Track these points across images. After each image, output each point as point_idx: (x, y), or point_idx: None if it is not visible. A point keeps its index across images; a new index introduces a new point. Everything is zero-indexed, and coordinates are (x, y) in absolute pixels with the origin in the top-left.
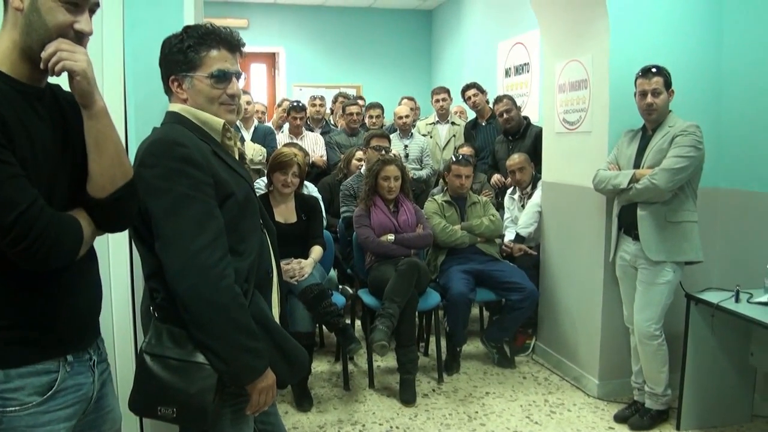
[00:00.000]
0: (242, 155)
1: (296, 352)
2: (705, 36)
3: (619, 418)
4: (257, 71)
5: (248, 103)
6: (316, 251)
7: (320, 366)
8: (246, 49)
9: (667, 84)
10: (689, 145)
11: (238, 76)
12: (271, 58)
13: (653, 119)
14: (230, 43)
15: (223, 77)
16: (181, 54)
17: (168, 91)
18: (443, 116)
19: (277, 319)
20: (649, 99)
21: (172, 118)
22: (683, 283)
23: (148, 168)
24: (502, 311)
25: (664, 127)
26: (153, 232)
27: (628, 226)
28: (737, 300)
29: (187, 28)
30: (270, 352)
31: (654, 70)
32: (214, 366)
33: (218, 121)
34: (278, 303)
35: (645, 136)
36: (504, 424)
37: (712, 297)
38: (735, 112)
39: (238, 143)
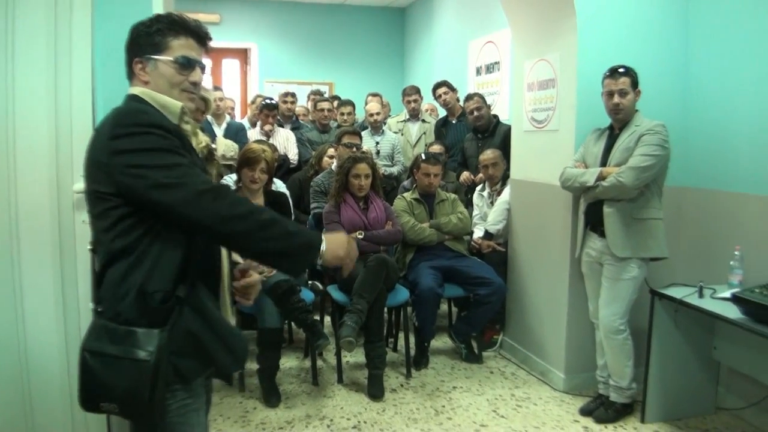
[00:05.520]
0: (212, 150)
1: (237, 343)
2: (672, 36)
3: (585, 412)
4: (229, 67)
5: (221, 99)
6: None
7: (289, 362)
8: (218, 45)
9: (634, 84)
10: (655, 144)
11: (202, 66)
12: (243, 54)
13: (620, 119)
14: (198, 34)
15: (187, 64)
16: (149, 37)
17: (130, 74)
18: (414, 115)
19: (231, 317)
20: (616, 99)
21: (131, 99)
22: (648, 279)
23: (122, 138)
24: (470, 307)
25: (630, 127)
26: (134, 203)
27: (594, 223)
28: (701, 295)
29: (157, 15)
30: (211, 342)
31: (621, 70)
32: (283, 269)
33: (176, 104)
34: (229, 300)
35: (612, 134)
36: (471, 418)
37: (676, 292)
38: (701, 112)
39: (206, 137)
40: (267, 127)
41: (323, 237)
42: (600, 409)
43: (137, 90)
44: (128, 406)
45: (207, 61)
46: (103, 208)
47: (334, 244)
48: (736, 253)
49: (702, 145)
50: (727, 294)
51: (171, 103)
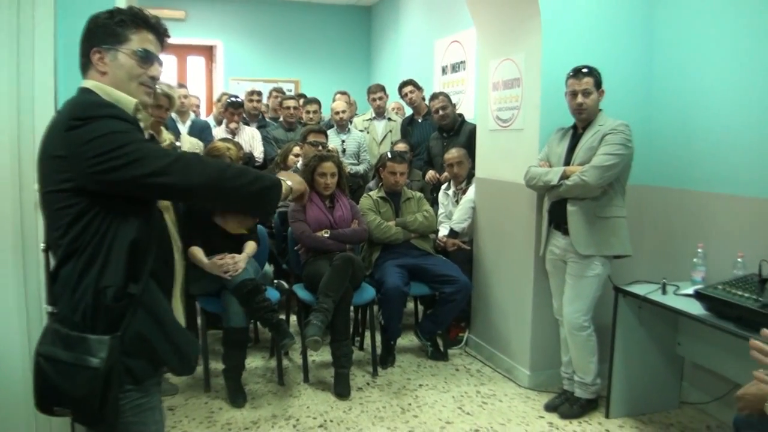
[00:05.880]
0: (176, 149)
1: (187, 345)
2: (636, 36)
3: (550, 408)
4: (194, 64)
5: (185, 96)
6: (250, 246)
7: (254, 362)
8: (183, 42)
9: (598, 84)
10: (618, 143)
11: (160, 62)
12: (208, 51)
13: (583, 118)
14: (157, 30)
15: (147, 57)
16: (109, 27)
17: (86, 65)
18: (380, 113)
19: (181, 317)
20: (580, 99)
21: (84, 92)
22: (612, 277)
23: (79, 128)
24: (436, 305)
25: (594, 126)
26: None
27: (558, 221)
28: (664, 292)
29: (117, 8)
30: (161, 345)
31: (585, 70)
32: (261, 209)
33: (130, 100)
34: (181, 299)
35: (575, 134)
36: (436, 415)
37: (639, 289)
38: (664, 111)
39: (170, 135)
40: (232, 125)
41: (278, 176)
42: (565, 404)
43: (90, 84)
44: (80, 412)
45: (165, 58)
46: (57, 206)
47: (289, 176)
48: (699, 250)
49: (665, 145)
50: (690, 291)
51: (125, 99)
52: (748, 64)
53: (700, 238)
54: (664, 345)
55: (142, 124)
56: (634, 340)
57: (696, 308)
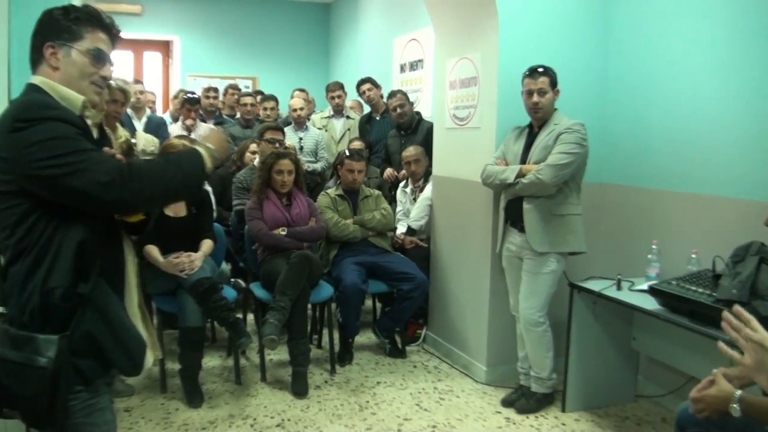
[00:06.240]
0: (131, 145)
1: (135, 345)
2: (592, 37)
3: (506, 403)
4: (151, 60)
5: (141, 92)
6: (207, 245)
7: (211, 361)
8: (139, 37)
9: (553, 83)
10: (573, 142)
11: (111, 62)
12: (165, 47)
13: (539, 117)
14: (111, 31)
15: (100, 57)
16: (64, 23)
17: (37, 60)
18: (338, 111)
19: (137, 317)
20: (535, 98)
21: (32, 89)
22: (568, 273)
23: (24, 130)
24: (394, 302)
25: (549, 125)
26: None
27: (514, 218)
28: (619, 288)
29: (73, 5)
30: (110, 345)
31: (540, 70)
32: (192, 192)
33: (78, 98)
34: (138, 298)
35: (531, 133)
36: (394, 412)
37: (594, 285)
38: (619, 111)
39: (126, 132)
40: (189, 122)
41: (198, 147)
42: (522, 399)
43: (38, 80)
44: (29, 413)
45: (121, 54)
46: (3, 207)
47: (205, 140)
48: (653, 247)
49: (620, 143)
50: (645, 286)
51: (73, 96)
52: (701, 64)
53: (655, 235)
54: (619, 340)
55: (90, 122)
56: (589, 336)
57: (650, 303)
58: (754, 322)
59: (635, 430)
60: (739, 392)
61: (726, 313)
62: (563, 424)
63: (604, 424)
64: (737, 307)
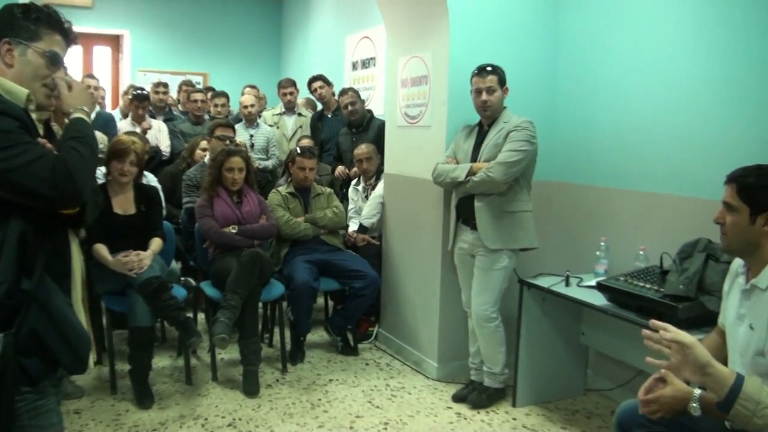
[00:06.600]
0: None
1: (80, 343)
2: (542, 37)
3: (457, 398)
4: (101, 54)
5: (96, 88)
6: (156, 243)
7: (162, 361)
8: (89, 31)
9: (501, 82)
10: (523, 139)
11: (65, 66)
12: (115, 41)
13: (488, 116)
14: (68, 36)
15: (56, 60)
16: (25, 22)
17: None
18: (290, 108)
19: (83, 314)
20: (484, 97)
21: None
22: (517, 270)
23: None
24: (346, 300)
25: (499, 123)
26: None
27: (466, 216)
28: (567, 284)
29: (33, 4)
30: (53, 340)
31: (489, 68)
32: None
33: (23, 91)
34: (83, 294)
35: (481, 131)
36: (346, 409)
37: (543, 282)
38: (568, 109)
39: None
40: (143, 124)
41: (78, 114)
42: (474, 393)
43: None
44: None
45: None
46: None
47: (77, 99)
48: (601, 243)
49: (569, 142)
50: (593, 282)
51: (17, 90)
52: (650, 64)
53: (603, 232)
54: (568, 335)
55: (35, 116)
56: (539, 331)
57: (599, 299)
58: (669, 327)
59: (585, 423)
60: (698, 391)
61: (644, 331)
62: (514, 419)
63: (555, 418)
64: (652, 321)
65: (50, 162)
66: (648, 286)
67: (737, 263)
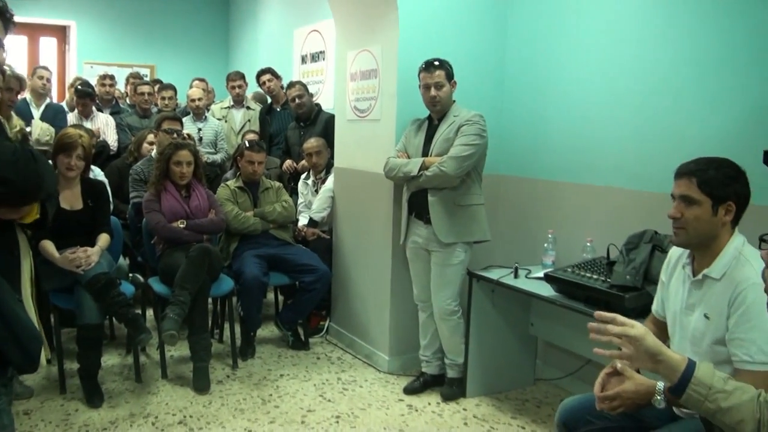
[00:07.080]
0: (26, 135)
1: (30, 341)
2: (490, 31)
3: (408, 390)
4: (47, 45)
5: (48, 80)
6: (104, 239)
7: (111, 359)
8: (35, 21)
9: (449, 76)
10: (474, 133)
11: (4, 48)
12: (61, 32)
13: (438, 110)
14: (4, 16)
15: None
16: None
17: None
18: (239, 101)
19: (32, 311)
20: (432, 92)
21: None
22: (467, 263)
23: None
24: (296, 294)
25: (449, 117)
26: None
27: (419, 210)
28: (516, 276)
29: None
30: (4, 339)
31: (436, 63)
32: None
33: None
34: (32, 291)
35: (431, 125)
36: (298, 404)
37: (492, 274)
38: (515, 103)
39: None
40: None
41: None
42: (446, 386)
43: None
44: None
45: (15, 39)
46: None
47: None
48: (549, 236)
49: (518, 135)
50: (541, 274)
51: None
52: (597, 59)
53: (551, 225)
54: (517, 326)
55: None
56: (488, 323)
57: (547, 290)
58: (618, 317)
59: (535, 411)
60: (661, 384)
61: (590, 324)
62: (464, 409)
63: (505, 408)
64: (597, 312)
65: (12, 147)
66: (595, 276)
67: (677, 253)
